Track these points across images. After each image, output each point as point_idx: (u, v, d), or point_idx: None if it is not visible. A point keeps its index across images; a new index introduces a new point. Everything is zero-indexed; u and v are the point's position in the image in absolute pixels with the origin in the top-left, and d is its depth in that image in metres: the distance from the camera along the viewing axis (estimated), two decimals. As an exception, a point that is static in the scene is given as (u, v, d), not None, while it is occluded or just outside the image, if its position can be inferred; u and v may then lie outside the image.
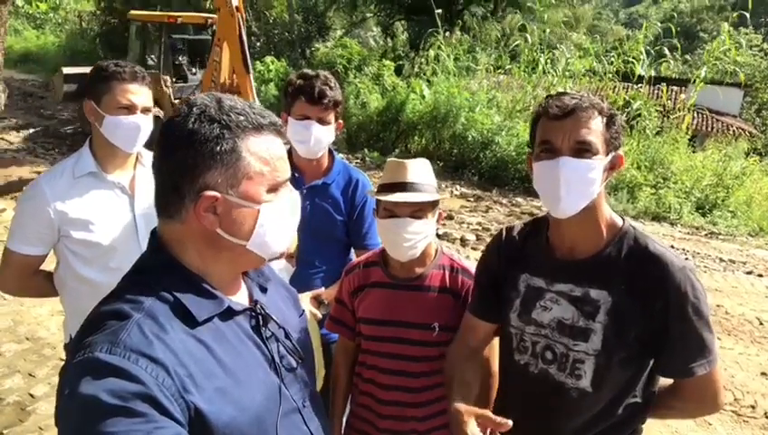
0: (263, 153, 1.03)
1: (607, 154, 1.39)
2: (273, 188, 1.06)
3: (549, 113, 1.39)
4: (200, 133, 0.98)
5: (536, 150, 1.43)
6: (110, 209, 1.95)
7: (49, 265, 2.03)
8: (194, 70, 11.92)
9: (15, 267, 1.96)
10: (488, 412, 1.37)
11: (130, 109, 1.91)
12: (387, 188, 1.72)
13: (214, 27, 10.16)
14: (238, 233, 1.04)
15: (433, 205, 1.74)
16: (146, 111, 1.95)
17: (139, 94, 1.93)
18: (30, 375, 3.69)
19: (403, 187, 1.69)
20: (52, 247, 1.96)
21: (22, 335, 4.19)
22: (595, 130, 1.36)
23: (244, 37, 8.79)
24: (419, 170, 1.73)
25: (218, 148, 0.98)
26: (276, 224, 1.07)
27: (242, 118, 1.01)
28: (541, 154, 1.41)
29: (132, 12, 12.38)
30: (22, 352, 3.98)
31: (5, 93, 6.81)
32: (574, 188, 1.37)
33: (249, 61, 8.71)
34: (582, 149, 1.35)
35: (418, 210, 1.70)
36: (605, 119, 1.38)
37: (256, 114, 1.03)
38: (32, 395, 3.48)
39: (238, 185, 1.01)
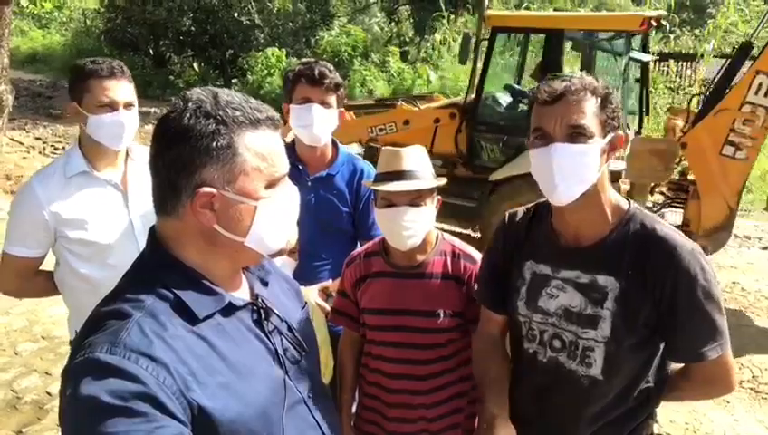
0: (259, 148, 1.02)
1: (604, 136, 1.35)
2: (271, 184, 1.05)
3: (539, 99, 1.36)
4: (196, 129, 0.97)
5: (531, 138, 1.40)
6: (104, 207, 1.94)
7: (49, 264, 2.03)
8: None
9: (14, 270, 1.97)
10: None
11: (112, 105, 1.89)
12: (383, 177, 1.71)
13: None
14: (236, 229, 1.03)
15: (431, 192, 1.73)
16: (128, 106, 1.93)
17: (119, 90, 1.90)
18: (47, 374, 3.73)
19: (400, 175, 1.68)
20: (50, 248, 1.96)
21: (37, 335, 4.23)
22: (588, 112, 1.33)
23: None
24: (415, 158, 1.72)
25: (214, 144, 0.98)
26: (274, 220, 1.07)
27: (238, 113, 1.00)
28: (534, 141, 1.38)
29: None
30: (38, 351, 4.02)
31: (12, 94, 6.83)
32: (569, 174, 1.34)
33: None
34: (576, 134, 1.32)
35: (416, 198, 1.69)
36: (599, 99, 1.34)
37: (253, 109, 1.02)
38: (49, 393, 3.51)
39: (235, 181, 1.00)
